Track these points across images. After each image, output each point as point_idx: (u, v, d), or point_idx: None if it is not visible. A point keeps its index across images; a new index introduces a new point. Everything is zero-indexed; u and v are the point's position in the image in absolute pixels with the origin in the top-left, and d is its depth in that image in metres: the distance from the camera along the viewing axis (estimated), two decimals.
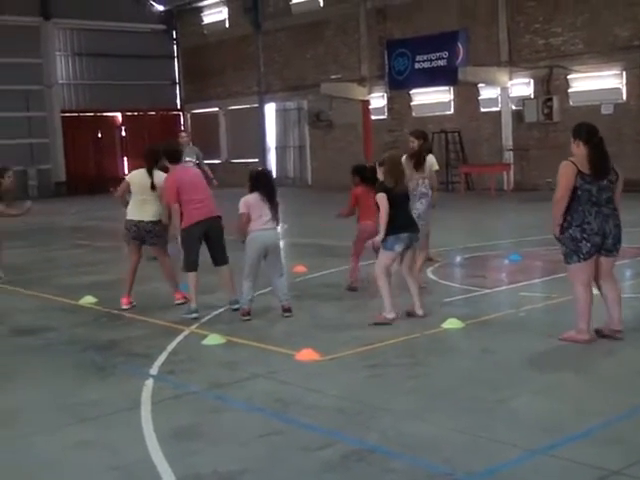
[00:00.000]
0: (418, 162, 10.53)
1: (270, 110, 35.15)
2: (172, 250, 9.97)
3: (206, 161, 15.82)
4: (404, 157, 10.27)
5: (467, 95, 27.21)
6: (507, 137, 26.18)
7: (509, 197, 24.40)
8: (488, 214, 20.54)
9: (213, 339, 7.99)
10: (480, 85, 26.59)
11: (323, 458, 4.98)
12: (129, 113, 37.83)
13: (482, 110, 26.99)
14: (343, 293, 10.14)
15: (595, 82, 23.88)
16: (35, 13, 35.11)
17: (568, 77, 24.51)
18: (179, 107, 40.08)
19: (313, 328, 8.49)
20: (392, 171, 8.46)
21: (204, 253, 9.37)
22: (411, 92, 28.83)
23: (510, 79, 25.96)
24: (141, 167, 9.84)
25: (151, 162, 9.75)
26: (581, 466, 4.69)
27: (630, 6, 22.84)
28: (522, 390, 6.17)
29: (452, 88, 27.43)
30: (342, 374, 6.82)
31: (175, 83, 40.13)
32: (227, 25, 36.95)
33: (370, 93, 30.33)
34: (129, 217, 9.77)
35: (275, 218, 8.84)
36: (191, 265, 9.18)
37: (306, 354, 7.22)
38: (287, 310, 8.96)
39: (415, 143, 10.63)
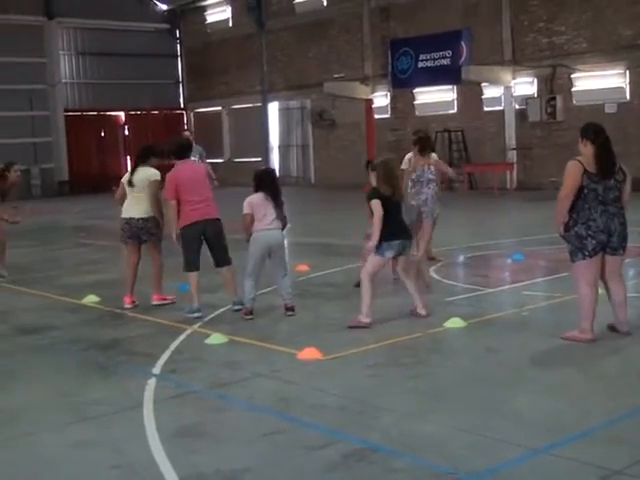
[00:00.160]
0: (422, 147, 10.82)
1: (273, 109, 35.13)
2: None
3: (209, 160, 15.81)
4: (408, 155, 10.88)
5: (470, 94, 27.18)
6: (510, 136, 26.14)
7: (512, 196, 24.37)
8: (491, 213, 20.52)
9: (216, 338, 7.99)
10: (483, 84, 26.56)
11: (325, 457, 4.98)
12: (132, 112, 37.79)
13: (485, 109, 26.95)
14: (346, 292, 10.12)
15: (599, 81, 23.83)
16: (39, 12, 35.11)
17: (572, 76, 24.46)
18: (182, 106, 40.06)
19: (316, 327, 8.49)
20: (388, 179, 8.32)
21: (205, 253, 9.36)
22: (414, 91, 28.79)
23: (513, 78, 25.91)
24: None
25: (136, 160, 9.80)
26: (584, 465, 4.68)
27: (634, 5, 22.79)
28: (525, 389, 6.17)
29: (455, 87, 27.39)
30: (345, 373, 6.81)
31: (178, 82, 40.13)
32: (230, 24, 36.94)
33: (373, 92, 30.31)
34: (121, 216, 9.81)
35: (280, 218, 8.82)
36: (190, 265, 9.15)
37: (309, 353, 7.22)
38: (290, 309, 8.95)
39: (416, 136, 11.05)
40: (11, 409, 6.30)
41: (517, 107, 25.89)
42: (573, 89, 24.46)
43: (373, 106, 30.27)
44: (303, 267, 11.92)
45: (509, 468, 4.73)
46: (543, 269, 11.70)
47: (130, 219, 9.70)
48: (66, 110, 36.21)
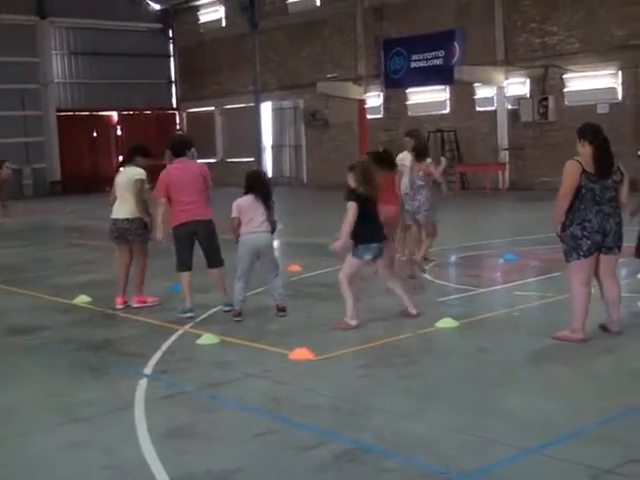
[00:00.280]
0: (419, 154, 11.18)
1: (266, 109, 35.13)
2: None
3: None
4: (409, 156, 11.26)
5: (463, 94, 27.22)
6: (502, 136, 26.19)
7: (504, 196, 24.41)
8: (483, 213, 20.55)
9: (207, 339, 7.98)
10: (476, 84, 26.60)
11: (317, 457, 4.98)
12: (125, 112, 37.75)
13: (478, 109, 26.99)
14: (338, 293, 10.08)
15: (591, 81, 23.88)
16: (31, 12, 35.05)
17: (564, 76, 24.52)
18: (175, 106, 40.05)
19: (307, 328, 8.48)
20: (367, 182, 8.27)
21: (198, 253, 9.34)
22: (407, 91, 28.83)
23: (506, 78, 25.97)
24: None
25: (122, 160, 9.80)
26: (575, 465, 4.69)
27: (626, 5, 22.85)
28: (516, 389, 6.18)
29: (448, 87, 27.43)
30: (336, 373, 6.81)
31: (171, 82, 40.12)
32: (223, 24, 36.93)
33: (366, 92, 30.34)
34: (110, 217, 9.78)
35: (270, 221, 8.78)
36: (182, 265, 9.12)
37: (300, 353, 7.21)
38: (282, 310, 8.94)
39: (412, 143, 11.45)
40: (2, 409, 6.28)
41: (509, 107, 25.94)
42: (565, 89, 24.51)
43: (366, 106, 30.31)
44: (295, 267, 11.91)
45: (501, 468, 4.74)
46: (535, 269, 11.72)
47: (116, 220, 9.67)
48: (58, 110, 36.16)
